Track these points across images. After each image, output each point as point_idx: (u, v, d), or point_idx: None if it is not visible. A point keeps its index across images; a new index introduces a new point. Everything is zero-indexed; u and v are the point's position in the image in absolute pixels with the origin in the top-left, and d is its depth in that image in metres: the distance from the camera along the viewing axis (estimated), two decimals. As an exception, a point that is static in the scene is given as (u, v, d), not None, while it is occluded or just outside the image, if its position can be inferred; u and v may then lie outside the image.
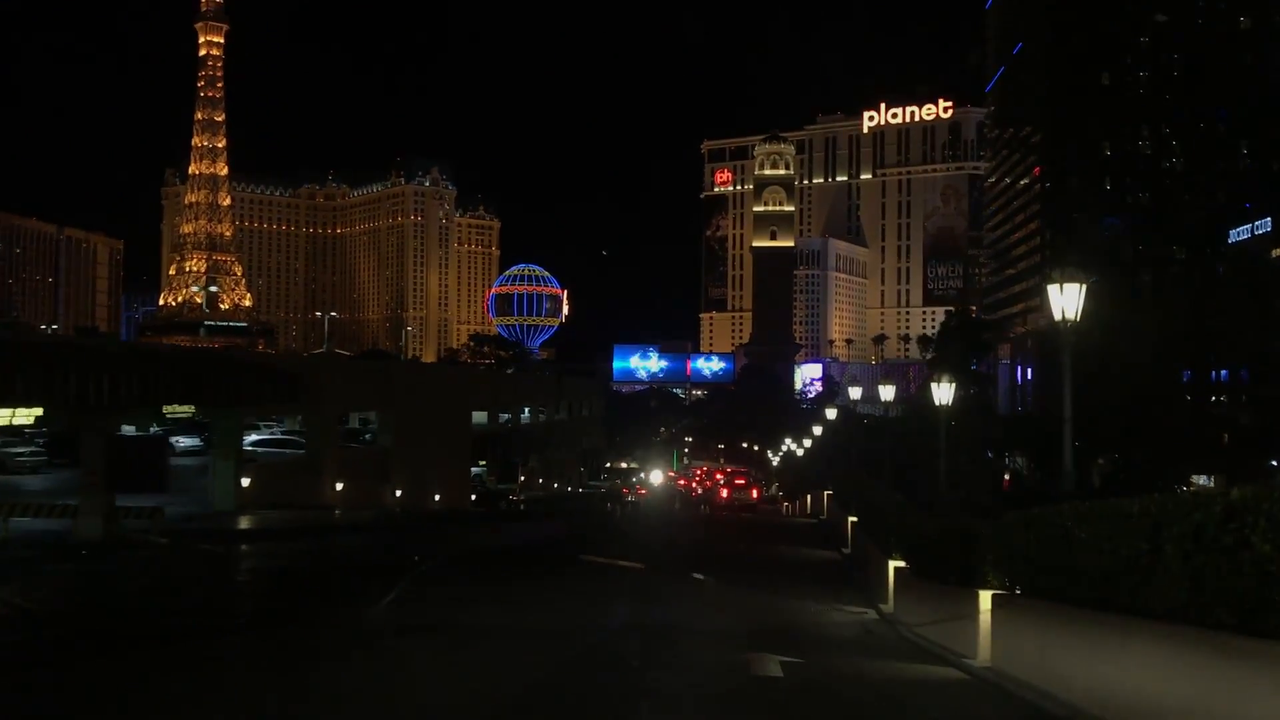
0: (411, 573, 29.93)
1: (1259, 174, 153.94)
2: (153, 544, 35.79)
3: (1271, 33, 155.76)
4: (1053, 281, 17.91)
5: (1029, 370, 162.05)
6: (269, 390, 43.20)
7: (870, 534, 25.54)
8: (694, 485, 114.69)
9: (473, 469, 75.30)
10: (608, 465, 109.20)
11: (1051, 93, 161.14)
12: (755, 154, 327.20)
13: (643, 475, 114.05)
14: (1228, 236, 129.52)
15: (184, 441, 57.34)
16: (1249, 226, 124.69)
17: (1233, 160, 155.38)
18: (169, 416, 51.69)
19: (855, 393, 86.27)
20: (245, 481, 46.55)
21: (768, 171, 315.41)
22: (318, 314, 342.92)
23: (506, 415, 77.88)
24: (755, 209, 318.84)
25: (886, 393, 49.43)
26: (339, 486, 49.29)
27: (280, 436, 56.17)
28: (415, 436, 57.45)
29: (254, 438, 55.33)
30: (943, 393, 27.56)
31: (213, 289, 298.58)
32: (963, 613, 17.80)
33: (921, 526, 22.06)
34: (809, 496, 52.73)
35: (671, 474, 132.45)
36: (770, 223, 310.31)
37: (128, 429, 50.36)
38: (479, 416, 75.35)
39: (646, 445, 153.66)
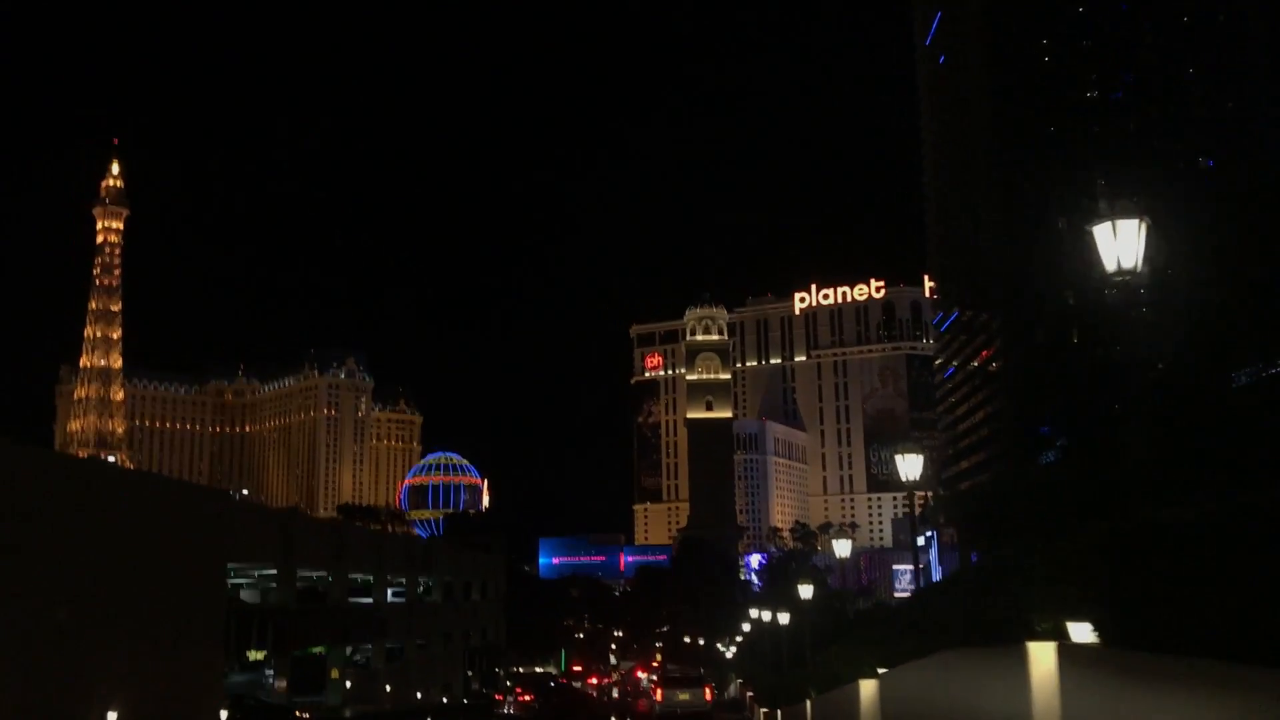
0: None
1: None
2: None
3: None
4: (1100, 222, 13.32)
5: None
6: None
7: None
8: (612, 687, 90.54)
9: (249, 674, 48.97)
10: (516, 670, 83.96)
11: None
12: (686, 319, 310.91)
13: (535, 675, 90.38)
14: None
15: None
16: None
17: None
18: None
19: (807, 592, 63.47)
20: None
21: (700, 338, 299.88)
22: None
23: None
24: (689, 378, 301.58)
25: (806, 592, 39.07)
26: None
27: None
28: (46, 597, 29.18)
29: None
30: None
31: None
32: None
33: None
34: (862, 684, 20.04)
35: (578, 668, 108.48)
36: (705, 392, 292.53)
37: None
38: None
39: (565, 643, 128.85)
